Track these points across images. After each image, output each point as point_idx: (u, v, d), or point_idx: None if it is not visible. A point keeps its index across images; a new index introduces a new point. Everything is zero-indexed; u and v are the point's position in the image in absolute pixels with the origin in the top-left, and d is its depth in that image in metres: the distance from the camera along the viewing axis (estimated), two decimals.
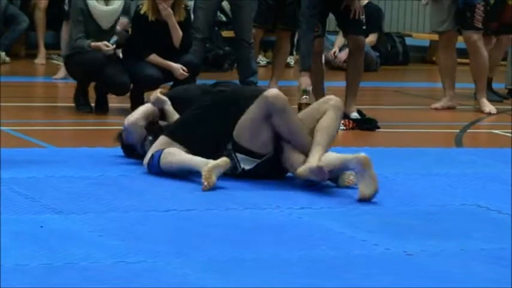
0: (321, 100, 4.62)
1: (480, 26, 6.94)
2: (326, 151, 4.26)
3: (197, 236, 3.22)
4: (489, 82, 7.64)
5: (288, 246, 3.18)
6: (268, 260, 2.99)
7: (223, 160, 4.20)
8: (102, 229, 3.13)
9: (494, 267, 2.94)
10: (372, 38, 9.20)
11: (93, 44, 5.83)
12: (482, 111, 7.00)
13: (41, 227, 3.07)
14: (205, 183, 3.99)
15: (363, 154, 4.05)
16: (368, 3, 9.06)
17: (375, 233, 3.43)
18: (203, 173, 4.04)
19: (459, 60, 7.66)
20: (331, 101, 4.47)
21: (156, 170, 4.13)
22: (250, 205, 3.74)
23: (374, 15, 9.27)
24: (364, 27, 6.33)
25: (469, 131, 6.18)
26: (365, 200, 4.04)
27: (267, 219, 3.59)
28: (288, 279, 2.74)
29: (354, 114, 5.86)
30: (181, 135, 4.27)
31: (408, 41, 10.14)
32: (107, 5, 6.04)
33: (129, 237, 3.10)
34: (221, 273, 2.74)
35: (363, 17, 6.28)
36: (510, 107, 7.38)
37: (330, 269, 2.91)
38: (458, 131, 6.11)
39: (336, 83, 6.93)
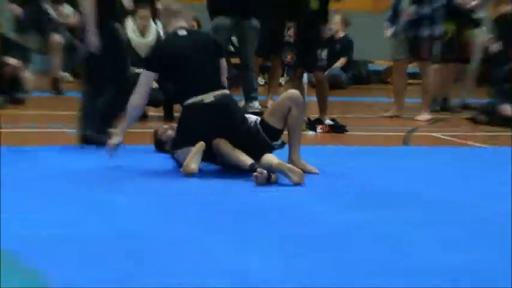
0: (283, 96, 4.39)
1: (426, 56, 6.90)
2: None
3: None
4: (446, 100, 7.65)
5: (276, 223, 3.13)
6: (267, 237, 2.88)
7: (197, 146, 3.99)
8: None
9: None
10: (342, 61, 9.30)
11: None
12: (417, 120, 6.95)
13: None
14: (184, 173, 3.94)
15: (276, 161, 3.95)
16: (345, 35, 9.39)
17: (347, 208, 3.47)
18: (182, 167, 4.00)
19: (410, 81, 7.56)
20: (292, 96, 4.27)
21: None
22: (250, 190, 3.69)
23: (348, 44, 9.49)
24: (320, 63, 6.19)
25: (414, 133, 6.19)
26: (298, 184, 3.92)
27: (266, 201, 3.56)
28: (271, 251, 2.66)
29: (328, 121, 5.92)
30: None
31: (370, 66, 10.33)
32: (143, 38, 6.03)
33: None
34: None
35: (324, 53, 6.16)
36: (448, 115, 7.36)
37: (309, 239, 2.86)
38: (405, 133, 6.10)
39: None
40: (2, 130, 5.01)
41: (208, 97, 3.92)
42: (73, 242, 2.60)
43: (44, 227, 2.83)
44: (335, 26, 8.22)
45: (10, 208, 3.11)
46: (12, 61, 6.65)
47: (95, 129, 4.66)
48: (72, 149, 4.59)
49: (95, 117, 4.69)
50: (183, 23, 4.22)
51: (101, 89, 4.86)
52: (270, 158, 3.91)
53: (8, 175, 3.62)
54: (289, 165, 3.81)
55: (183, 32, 4.11)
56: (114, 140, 4.12)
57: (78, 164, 4.20)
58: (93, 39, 4.46)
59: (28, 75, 6.91)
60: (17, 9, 7.45)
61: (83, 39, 4.64)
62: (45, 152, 4.48)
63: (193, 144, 3.92)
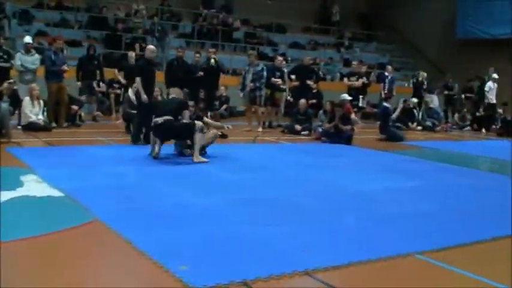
0: (211, 133, 5.82)
1: (258, 104, 8.97)
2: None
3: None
4: (271, 123, 9.42)
5: (200, 178, 4.14)
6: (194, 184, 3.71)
7: (159, 141, 5.18)
8: None
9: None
10: (225, 106, 11.19)
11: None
12: (257, 131, 8.56)
13: None
14: (152, 156, 4.83)
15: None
16: (226, 95, 10.96)
17: (233, 172, 4.50)
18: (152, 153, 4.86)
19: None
20: (212, 128, 6.00)
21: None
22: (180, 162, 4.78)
23: (228, 99, 11.19)
24: (215, 107, 8.60)
25: (257, 137, 7.97)
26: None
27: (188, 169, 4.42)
28: (200, 190, 3.63)
29: (219, 133, 6.73)
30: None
31: (237, 108, 11.41)
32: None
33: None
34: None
35: (217, 103, 8.76)
36: (271, 130, 9.15)
37: (213, 185, 3.93)
38: (253, 137, 7.91)
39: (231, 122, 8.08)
40: (68, 139, 6.30)
41: (161, 120, 5.50)
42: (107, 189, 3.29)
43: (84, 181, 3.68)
44: (221, 91, 10.35)
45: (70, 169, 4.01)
46: (74, 107, 8.55)
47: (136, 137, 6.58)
48: (106, 147, 5.87)
49: (136, 132, 6.62)
50: (173, 95, 6.20)
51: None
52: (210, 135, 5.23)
53: (75, 156, 5.08)
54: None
55: (170, 97, 6.27)
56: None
57: (110, 153, 5.57)
58: (144, 97, 6.52)
59: (82, 114, 8.84)
60: (78, 84, 9.35)
61: (138, 97, 6.47)
62: (91, 148, 5.84)
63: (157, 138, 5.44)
